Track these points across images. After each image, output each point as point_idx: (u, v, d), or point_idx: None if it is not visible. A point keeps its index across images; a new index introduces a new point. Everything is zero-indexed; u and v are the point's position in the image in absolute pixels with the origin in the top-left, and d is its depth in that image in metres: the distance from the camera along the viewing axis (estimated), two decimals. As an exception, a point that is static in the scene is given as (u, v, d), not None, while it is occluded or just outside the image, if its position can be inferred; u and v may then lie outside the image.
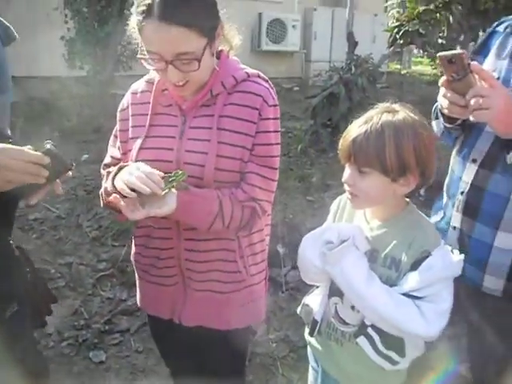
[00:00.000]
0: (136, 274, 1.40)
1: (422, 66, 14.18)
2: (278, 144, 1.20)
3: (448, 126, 1.25)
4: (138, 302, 1.42)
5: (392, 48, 4.91)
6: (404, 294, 1.03)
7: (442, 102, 1.12)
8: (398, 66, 11.10)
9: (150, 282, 1.31)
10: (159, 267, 1.27)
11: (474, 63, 1.04)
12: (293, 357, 2.25)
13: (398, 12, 5.43)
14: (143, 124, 1.20)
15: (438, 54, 1.06)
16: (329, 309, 1.19)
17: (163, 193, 1.04)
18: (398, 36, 4.65)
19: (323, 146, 4.62)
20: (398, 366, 1.11)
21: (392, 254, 1.06)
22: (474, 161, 1.18)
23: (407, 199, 1.15)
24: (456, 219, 1.24)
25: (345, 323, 1.15)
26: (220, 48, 1.20)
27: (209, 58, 1.11)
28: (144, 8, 1.02)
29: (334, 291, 1.16)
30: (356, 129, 1.05)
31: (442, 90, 1.11)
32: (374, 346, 1.09)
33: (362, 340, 1.10)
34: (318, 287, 1.26)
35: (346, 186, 1.10)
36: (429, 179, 1.07)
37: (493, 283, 1.17)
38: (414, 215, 1.13)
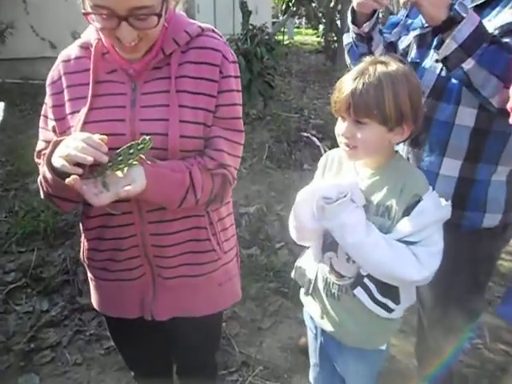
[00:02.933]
0: (89, 275, 1.20)
1: (302, 36, 14.73)
2: (241, 105, 1.10)
3: (356, 31, 1.30)
4: (95, 306, 1.23)
5: (285, 16, 4.94)
6: (398, 240, 1.05)
7: None
8: (281, 37, 11.38)
9: (110, 280, 1.14)
10: (120, 260, 1.10)
11: None
12: (245, 332, 2.21)
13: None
14: (84, 95, 1.02)
15: None
16: (323, 264, 1.19)
17: (130, 163, 0.92)
18: (290, 4, 4.69)
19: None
20: (393, 314, 1.14)
21: (384, 201, 1.08)
22: (422, 93, 1.19)
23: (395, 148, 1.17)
24: (403, 152, 1.32)
25: (341, 276, 1.15)
26: None
27: (164, 13, 0.95)
28: None
29: (328, 246, 1.16)
30: (351, 82, 1.04)
31: None
32: (371, 295, 1.11)
33: (358, 291, 1.11)
34: (307, 248, 1.26)
35: (341, 139, 1.09)
36: (418, 127, 1.09)
37: None
38: (402, 162, 1.15)
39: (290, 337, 2.18)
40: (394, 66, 1.05)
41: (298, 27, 16.63)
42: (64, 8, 4.87)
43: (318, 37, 9.77)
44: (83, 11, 0.92)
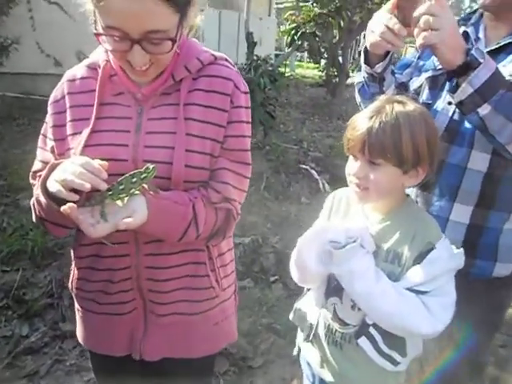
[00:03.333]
0: (76, 306, 1.13)
1: (303, 69, 15.00)
2: (250, 137, 1.06)
3: (369, 71, 1.27)
4: (80, 340, 1.15)
5: (290, 49, 5.01)
6: (408, 289, 0.99)
7: (376, 28, 1.09)
8: (283, 69, 11.57)
9: (98, 313, 1.07)
10: (111, 293, 1.03)
11: None
12: (234, 371, 2.11)
13: (294, 14, 5.60)
14: (87, 117, 0.98)
15: None
16: (326, 310, 1.12)
17: (131, 192, 0.87)
18: (296, 37, 4.76)
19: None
20: (398, 367, 1.07)
21: (394, 247, 1.03)
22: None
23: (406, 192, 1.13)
24: (411, 195, 1.26)
25: (345, 324, 1.09)
26: None
27: (178, 39, 0.91)
28: None
29: (332, 291, 1.10)
30: (366, 120, 1.00)
31: (380, 18, 1.09)
32: (376, 346, 1.05)
33: (363, 340, 1.05)
34: (308, 290, 1.19)
35: (352, 179, 1.04)
36: (433, 171, 1.05)
37: None
38: (413, 208, 1.10)
39: (283, 378, 2.08)
40: (411, 105, 1.02)
41: (299, 60, 16.96)
42: (71, 27, 4.92)
43: (319, 71, 9.94)
44: (95, 32, 0.88)
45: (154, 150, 0.95)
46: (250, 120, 1.05)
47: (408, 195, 1.12)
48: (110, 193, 0.87)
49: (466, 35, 1.24)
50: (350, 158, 1.06)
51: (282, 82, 5.13)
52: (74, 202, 0.84)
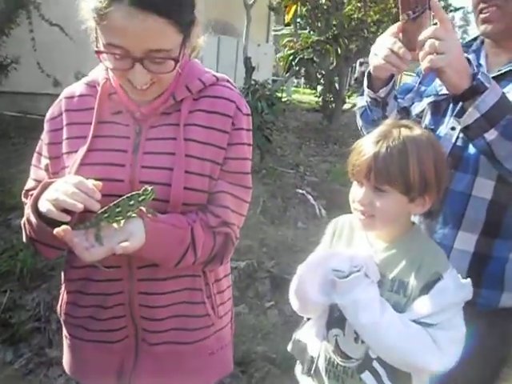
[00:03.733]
0: (64, 332, 1.07)
1: (299, 95, 15.18)
2: (250, 160, 1.03)
3: (372, 96, 1.26)
4: (67, 369, 1.09)
5: (288, 74, 5.07)
6: (414, 321, 0.95)
7: (380, 51, 1.08)
8: (279, 94, 11.71)
9: (87, 341, 1.02)
10: (102, 319, 0.99)
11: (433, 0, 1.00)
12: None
13: (292, 41, 5.69)
14: (84, 135, 0.96)
15: None
16: (328, 342, 1.07)
17: (129, 215, 0.84)
18: (293, 63, 4.82)
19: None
20: None
21: (400, 277, 0.99)
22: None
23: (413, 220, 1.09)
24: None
25: (347, 357, 1.04)
26: None
27: (181, 59, 0.90)
28: None
29: (334, 322, 1.05)
30: (372, 145, 0.96)
31: (384, 41, 1.07)
32: (380, 382, 0.99)
33: (366, 376, 1.00)
34: (308, 320, 1.14)
35: (356, 206, 1.00)
36: (440, 198, 1.02)
37: None
38: (420, 236, 1.07)
39: (277, 410, 2.00)
40: (418, 130, 0.99)
41: (296, 86, 17.20)
42: (70, 48, 4.96)
43: (315, 96, 10.07)
44: (96, 49, 0.86)
45: (151, 171, 0.92)
46: (251, 142, 1.03)
47: (414, 223, 1.09)
48: (106, 215, 0.84)
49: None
50: (354, 184, 1.02)
51: (279, 107, 5.16)
52: (66, 223, 0.80)
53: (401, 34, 1.06)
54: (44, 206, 0.84)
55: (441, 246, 1.09)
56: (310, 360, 1.10)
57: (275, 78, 11.55)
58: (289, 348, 1.19)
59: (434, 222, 1.24)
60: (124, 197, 0.85)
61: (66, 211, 0.81)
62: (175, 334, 1.00)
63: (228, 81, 1.03)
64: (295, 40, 5.69)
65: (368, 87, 1.29)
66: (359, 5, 7.77)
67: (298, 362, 1.18)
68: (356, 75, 15.34)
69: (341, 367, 1.05)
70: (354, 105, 10.49)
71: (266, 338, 2.45)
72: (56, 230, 0.78)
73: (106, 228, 0.85)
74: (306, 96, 14.31)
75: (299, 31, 6.72)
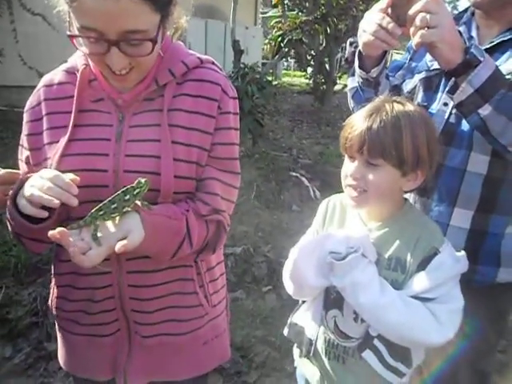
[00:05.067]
0: (57, 327, 1.06)
1: (290, 78, 15.05)
2: (238, 144, 1.00)
3: (364, 76, 1.23)
4: (62, 363, 1.08)
5: (277, 56, 5.00)
6: (413, 297, 0.95)
7: (369, 27, 1.06)
8: (269, 78, 11.60)
9: (79, 335, 1.00)
10: (93, 313, 0.97)
11: None
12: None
13: (280, 22, 5.60)
14: (64, 124, 0.92)
15: None
16: (326, 323, 1.07)
17: (124, 210, 0.81)
18: (282, 44, 4.75)
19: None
20: (403, 379, 1.02)
21: (396, 254, 0.99)
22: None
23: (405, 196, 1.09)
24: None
25: (347, 337, 1.04)
26: None
27: (159, 40, 0.86)
28: None
29: (331, 303, 1.05)
30: (365, 119, 0.96)
31: (372, 17, 1.05)
32: (382, 359, 1.00)
33: (367, 354, 1.00)
34: (303, 303, 1.13)
35: (348, 181, 0.99)
36: (432, 175, 1.01)
37: None
38: (413, 212, 1.06)
39: (278, 393, 2.01)
40: (410, 106, 0.99)
41: (286, 69, 17.04)
42: (54, 39, 4.85)
43: (306, 78, 9.97)
44: (68, 33, 0.82)
45: (136, 159, 0.89)
46: (238, 127, 1.00)
47: (406, 199, 1.08)
48: (102, 212, 0.80)
49: None
50: (346, 159, 1.01)
51: (270, 90, 5.11)
52: (44, 218, 0.78)
53: (389, 10, 1.03)
54: (20, 202, 0.82)
55: (437, 223, 1.09)
56: (308, 342, 1.09)
57: (265, 61, 11.43)
58: (285, 332, 1.18)
59: (430, 200, 1.23)
60: (119, 192, 0.81)
61: (44, 207, 0.79)
62: (168, 326, 0.99)
63: (213, 63, 0.99)
64: (283, 21, 5.60)
65: (359, 67, 1.26)
66: (347, -17, 7.64)
67: (295, 345, 1.17)
68: (346, 55, 15.20)
69: (341, 347, 1.04)
70: (346, 86, 10.40)
71: (264, 322, 2.45)
72: (50, 234, 0.75)
73: (102, 226, 0.81)
74: (297, 78, 14.19)
75: (287, 12, 6.62)
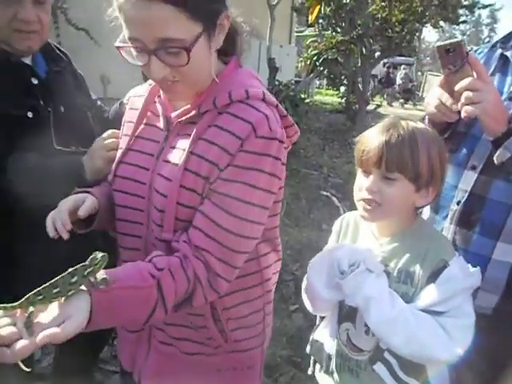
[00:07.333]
0: None
1: (322, 96, 15.08)
2: (259, 188, 0.87)
3: None
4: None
5: (312, 74, 5.02)
6: (423, 311, 0.95)
7: (432, 101, 1.12)
8: (302, 95, 11.66)
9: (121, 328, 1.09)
10: None
11: (472, 53, 1.06)
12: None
13: (316, 41, 5.65)
14: (129, 133, 1.01)
15: (435, 45, 1.10)
16: (339, 336, 1.09)
17: (69, 294, 0.70)
18: (317, 63, 4.78)
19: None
20: None
21: (406, 267, 1.01)
22: (474, 168, 1.14)
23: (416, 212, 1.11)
24: (448, 232, 1.19)
25: (359, 350, 1.05)
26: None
27: (204, 54, 0.86)
28: None
29: (344, 317, 1.08)
30: (382, 133, 0.99)
31: (435, 91, 1.12)
32: (392, 372, 1.00)
33: (379, 367, 1.01)
34: (322, 318, 1.17)
35: (363, 195, 1.01)
36: (439, 193, 1.05)
37: (486, 300, 1.11)
38: (424, 227, 1.08)
39: (303, 415, 1.96)
40: (421, 124, 1.03)
41: (318, 87, 17.09)
42: (96, 52, 5.03)
43: (339, 97, 9.96)
44: (116, 44, 0.86)
45: (161, 180, 0.90)
46: (270, 171, 0.87)
47: (418, 214, 1.10)
48: (40, 297, 0.69)
49: (505, 59, 1.19)
50: (359, 173, 1.03)
51: (303, 108, 5.11)
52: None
53: (445, 86, 1.09)
54: None
55: (477, 256, 1.09)
56: (327, 358, 1.11)
57: (297, 79, 11.51)
58: (307, 349, 1.20)
59: (471, 233, 1.18)
60: (66, 273, 0.71)
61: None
62: (180, 343, 0.99)
63: (263, 99, 0.90)
64: (319, 40, 5.65)
65: None
66: (383, 4, 7.66)
67: (313, 361, 1.19)
68: (380, 76, 15.17)
69: (353, 360, 1.05)
70: (378, 105, 10.36)
71: (290, 342, 2.41)
72: None
73: (41, 310, 0.69)
74: (329, 97, 14.21)
75: (322, 32, 6.69)
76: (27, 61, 1.25)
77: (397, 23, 7.82)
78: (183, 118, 0.92)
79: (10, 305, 0.68)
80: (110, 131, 1.15)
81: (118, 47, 0.85)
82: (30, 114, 1.17)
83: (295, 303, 2.75)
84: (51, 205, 0.94)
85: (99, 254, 0.73)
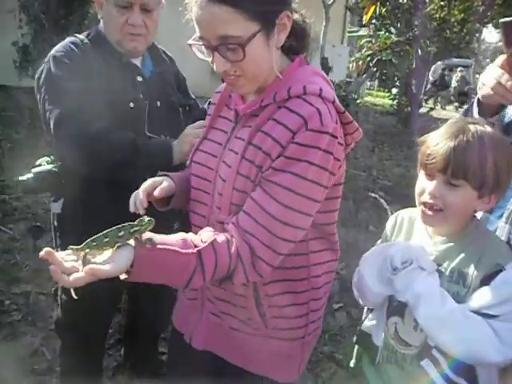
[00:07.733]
0: None
1: (372, 97, 14.82)
2: (308, 180, 0.90)
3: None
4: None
5: (365, 75, 4.98)
6: (475, 312, 0.94)
7: (488, 82, 1.07)
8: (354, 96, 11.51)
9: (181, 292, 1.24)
10: None
11: None
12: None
13: (370, 42, 5.59)
14: (207, 124, 1.14)
15: (500, 21, 1.03)
16: (387, 330, 1.10)
17: (118, 245, 0.83)
18: (371, 64, 4.73)
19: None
20: None
21: (459, 267, 0.99)
22: None
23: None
24: (503, 232, 1.16)
25: (406, 344, 1.05)
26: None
27: (262, 50, 0.92)
28: None
29: (393, 311, 1.08)
30: (450, 139, 0.97)
31: (493, 72, 1.06)
32: (441, 371, 0.99)
33: (426, 363, 1.00)
34: (371, 310, 1.18)
35: (425, 198, 1.00)
36: (501, 198, 1.03)
37: None
38: (481, 230, 1.06)
39: (344, 411, 1.99)
40: (488, 128, 0.99)
41: (368, 88, 16.80)
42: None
43: (390, 99, 9.76)
44: (189, 42, 0.96)
45: (224, 167, 1.01)
46: (321, 164, 0.91)
47: (475, 216, 1.07)
48: (94, 243, 0.83)
49: None
50: (422, 175, 1.02)
51: (353, 109, 5.08)
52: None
53: (507, 68, 1.05)
54: None
55: None
56: (375, 349, 1.12)
57: (348, 79, 11.39)
58: (354, 339, 1.22)
59: None
60: (116, 227, 0.83)
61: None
62: (224, 316, 1.09)
63: (320, 95, 0.93)
64: (373, 41, 5.57)
65: (479, 114, 1.23)
66: (442, 3, 7.43)
67: (356, 353, 1.22)
68: (433, 79, 14.70)
69: (400, 354, 1.06)
70: (431, 109, 10.05)
71: (333, 339, 2.44)
72: (40, 255, 0.79)
73: (97, 255, 0.84)
74: (380, 99, 13.94)
75: (376, 32, 6.60)
76: (137, 62, 1.52)
77: (456, 23, 7.57)
78: (248, 111, 1.00)
79: (75, 247, 0.84)
80: (199, 122, 1.38)
81: (189, 45, 0.95)
82: (131, 105, 1.44)
83: (339, 302, 2.77)
84: (143, 178, 1.11)
85: (146, 218, 0.84)
